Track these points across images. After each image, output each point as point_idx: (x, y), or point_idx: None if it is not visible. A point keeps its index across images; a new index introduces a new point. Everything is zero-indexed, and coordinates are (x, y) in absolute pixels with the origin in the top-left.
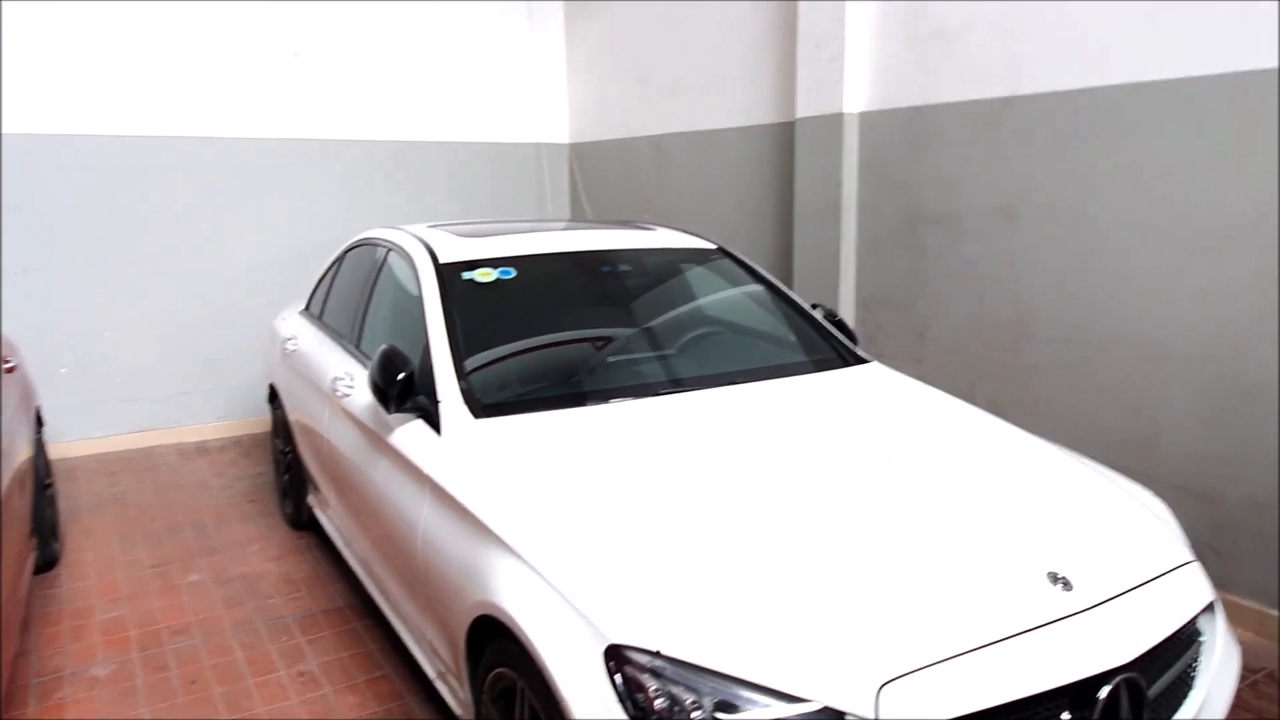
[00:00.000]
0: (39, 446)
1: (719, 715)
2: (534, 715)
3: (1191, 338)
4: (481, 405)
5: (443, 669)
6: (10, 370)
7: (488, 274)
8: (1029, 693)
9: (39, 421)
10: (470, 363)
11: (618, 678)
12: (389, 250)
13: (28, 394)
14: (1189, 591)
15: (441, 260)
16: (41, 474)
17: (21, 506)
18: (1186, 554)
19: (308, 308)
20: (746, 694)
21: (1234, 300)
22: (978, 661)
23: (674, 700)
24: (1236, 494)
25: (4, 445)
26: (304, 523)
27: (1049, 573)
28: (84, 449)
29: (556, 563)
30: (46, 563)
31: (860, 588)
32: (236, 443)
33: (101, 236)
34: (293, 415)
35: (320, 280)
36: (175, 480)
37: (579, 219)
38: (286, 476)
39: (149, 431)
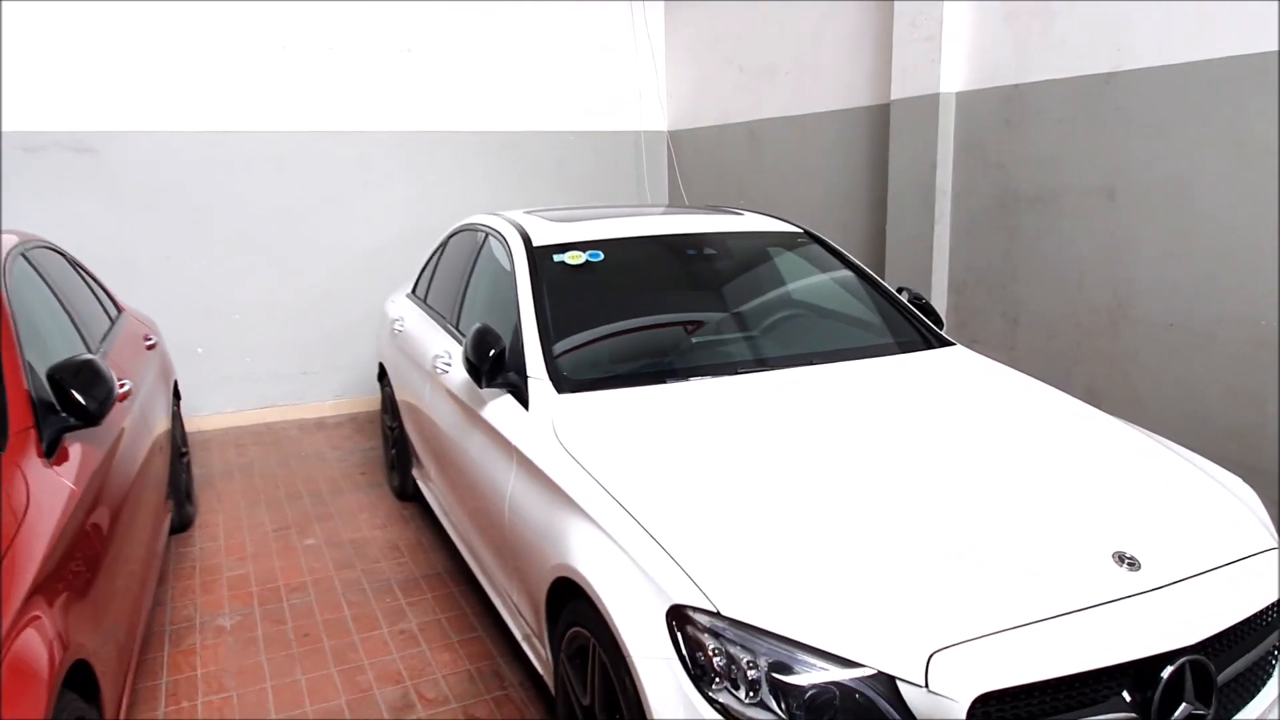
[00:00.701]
0: (176, 418)
1: (775, 676)
2: (604, 672)
3: None
4: (566, 382)
5: (528, 631)
6: (151, 347)
7: (577, 256)
8: (1082, 669)
9: (176, 395)
10: (557, 342)
11: (679, 636)
12: (487, 234)
13: (167, 369)
14: (1268, 578)
15: (534, 243)
16: (178, 443)
17: (159, 471)
18: (1270, 540)
19: (414, 290)
20: (802, 656)
21: None
22: (1031, 636)
23: (731, 659)
24: None
25: (146, 414)
26: (409, 494)
27: (1115, 553)
28: (216, 423)
29: (627, 528)
30: (183, 524)
31: (919, 560)
32: (352, 419)
33: (234, 226)
34: (399, 392)
35: (426, 264)
36: (295, 452)
37: (676, 205)
38: (394, 451)
39: (272, 408)
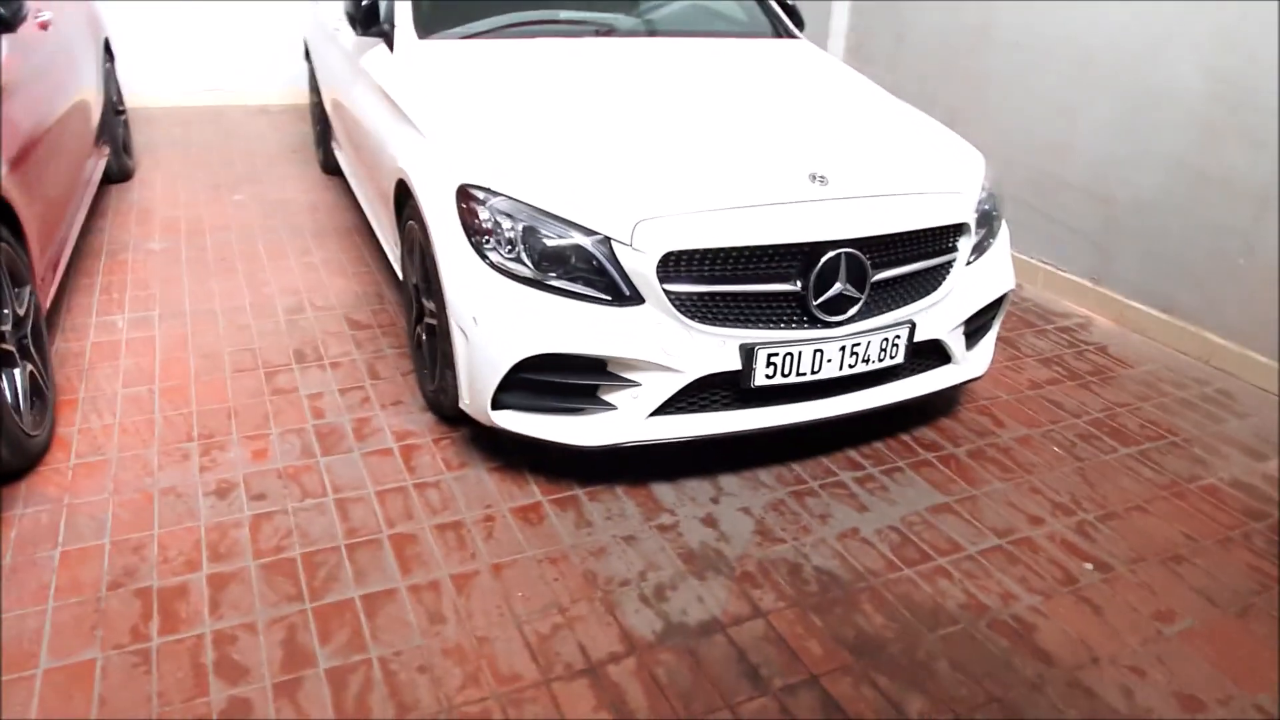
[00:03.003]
0: (111, 76)
1: (529, 237)
2: (423, 253)
3: (1114, 44)
4: (426, 30)
5: (394, 250)
6: None
7: None
8: (751, 244)
9: (109, 52)
10: None
11: (462, 208)
12: None
13: (95, 21)
14: (937, 212)
15: None
16: (113, 98)
17: (87, 107)
18: (957, 187)
19: None
20: (553, 225)
21: (1156, 6)
22: (718, 217)
23: (498, 225)
24: (1128, 195)
25: (70, 50)
26: (332, 168)
27: (812, 173)
28: (163, 101)
29: (436, 130)
30: (122, 174)
31: (648, 165)
32: (295, 108)
33: None
34: (317, 67)
35: None
36: (237, 131)
37: None
38: (318, 127)
39: (219, 91)
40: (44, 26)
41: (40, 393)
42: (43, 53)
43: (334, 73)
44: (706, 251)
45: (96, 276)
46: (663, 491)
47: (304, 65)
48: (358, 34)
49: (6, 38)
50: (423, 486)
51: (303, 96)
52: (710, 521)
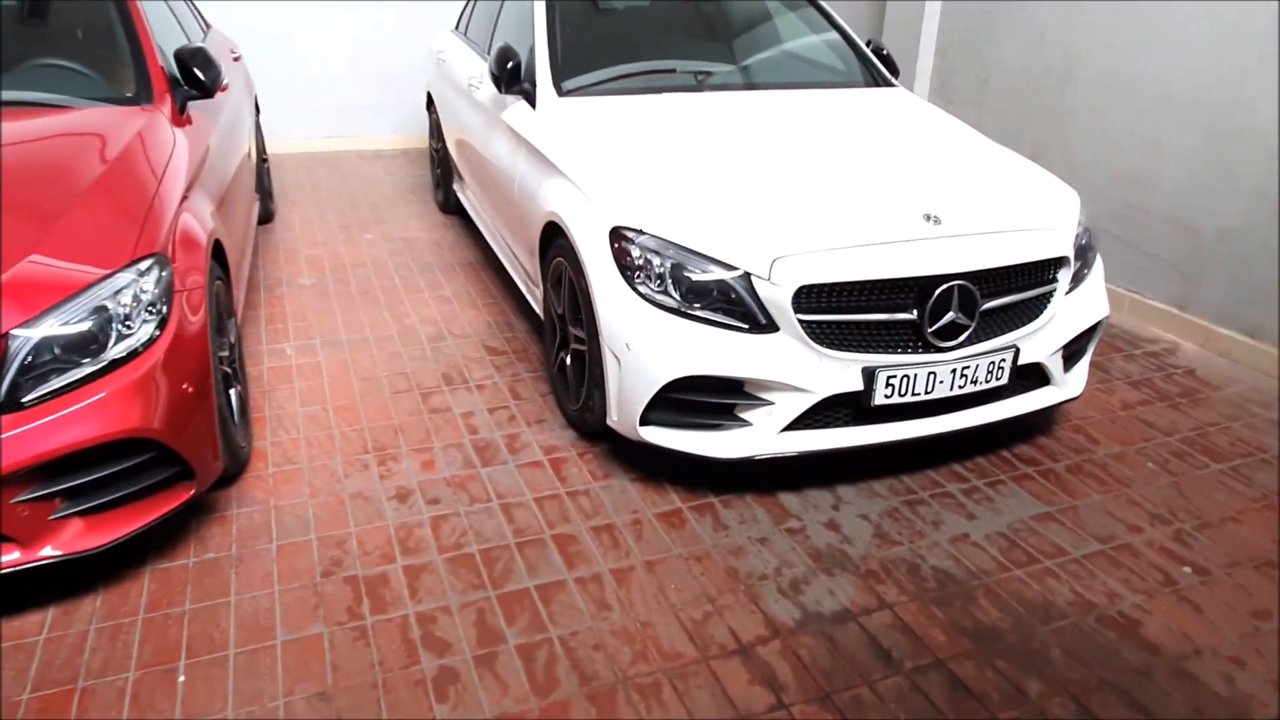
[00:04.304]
0: (257, 127)
1: (676, 272)
2: (571, 286)
3: (1195, 82)
4: (565, 89)
5: (529, 283)
6: (236, 59)
7: None
8: (875, 277)
9: (256, 107)
10: (561, 57)
11: (615, 247)
12: None
13: (249, 81)
14: (1039, 248)
15: None
16: (260, 147)
17: (249, 159)
18: (1053, 225)
19: (456, 26)
20: (697, 262)
21: (1235, 47)
22: (844, 254)
23: (648, 262)
24: (1211, 225)
25: (238, 108)
26: (451, 208)
27: (925, 213)
28: (287, 148)
29: (585, 178)
30: (266, 216)
31: (780, 207)
32: (404, 152)
33: None
34: (442, 115)
35: (466, 3)
36: (356, 174)
37: None
38: (438, 170)
39: (335, 138)
40: (224, 89)
41: (244, 410)
42: (225, 111)
43: (465, 123)
44: (835, 285)
45: (260, 309)
46: (788, 499)
47: (412, 113)
48: (500, 91)
49: (205, 102)
50: (574, 494)
51: (412, 141)
52: (833, 526)
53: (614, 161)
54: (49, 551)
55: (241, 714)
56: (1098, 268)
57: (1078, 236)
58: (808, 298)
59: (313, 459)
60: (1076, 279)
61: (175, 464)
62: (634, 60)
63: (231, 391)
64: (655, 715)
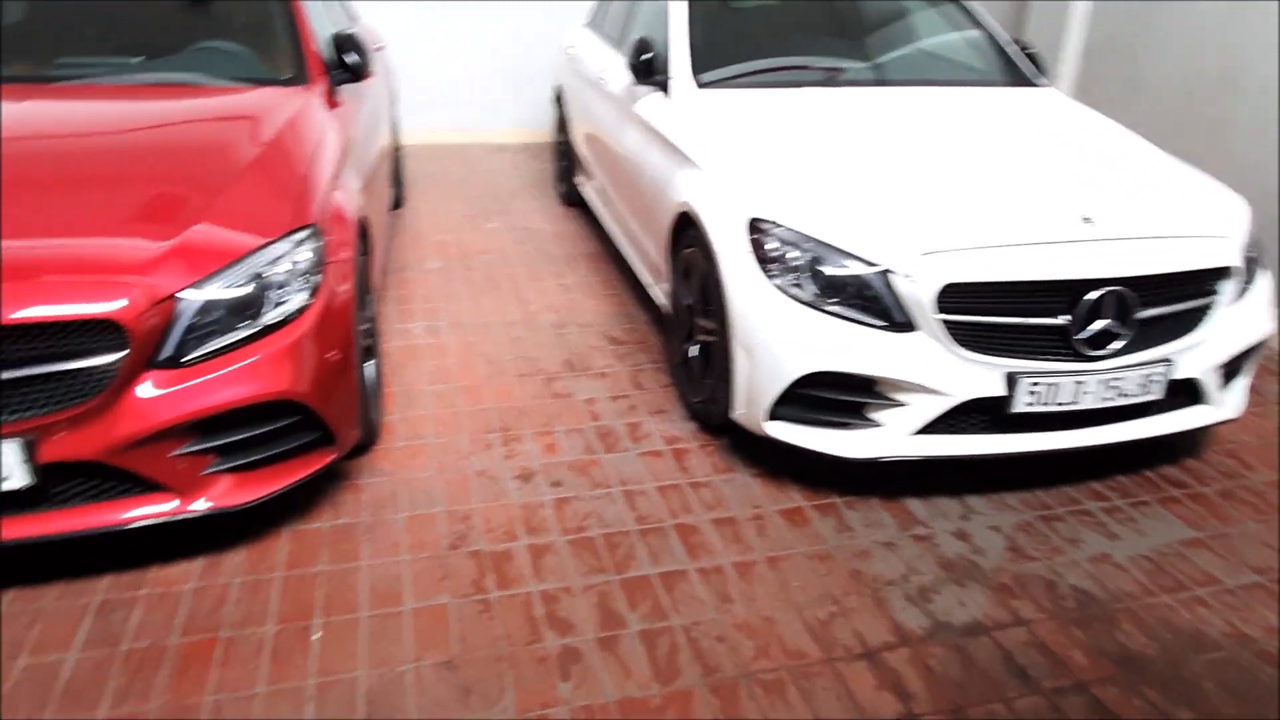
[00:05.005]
0: (394, 115)
1: (814, 267)
2: (702, 277)
3: None
4: (701, 80)
5: (652, 280)
6: (379, 50)
7: None
8: (1022, 278)
9: (393, 98)
10: (697, 48)
11: (753, 239)
12: None
13: (390, 70)
14: (1204, 256)
15: None
16: (397, 137)
17: (388, 143)
18: (1220, 233)
19: (590, 22)
20: (835, 257)
21: None
22: (992, 253)
23: (786, 254)
24: None
25: (380, 93)
26: (573, 201)
27: (1082, 215)
28: (414, 139)
29: (722, 169)
30: (397, 203)
31: (930, 204)
32: (526, 147)
33: None
34: (570, 108)
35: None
36: (480, 166)
37: None
38: (563, 164)
39: (461, 131)
40: (370, 76)
41: (378, 384)
42: (370, 98)
43: (594, 116)
44: (983, 284)
45: (390, 290)
46: (915, 505)
47: (535, 109)
48: (633, 83)
49: (353, 87)
50: (696, 485)
51: (534, 136)
52: (962, 536)
53: (752, 153)
54: (202, 504)
55: (373, 675)
56: (1266, 283)
57: (1245, 247)
58: (953, 297)
59: (439, 435)
60: (1240, 292)
61: (318, 429)
62: (767, 56)
63: (368, 365)
64: (780, 713)
